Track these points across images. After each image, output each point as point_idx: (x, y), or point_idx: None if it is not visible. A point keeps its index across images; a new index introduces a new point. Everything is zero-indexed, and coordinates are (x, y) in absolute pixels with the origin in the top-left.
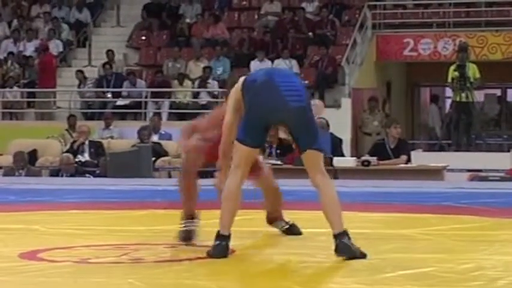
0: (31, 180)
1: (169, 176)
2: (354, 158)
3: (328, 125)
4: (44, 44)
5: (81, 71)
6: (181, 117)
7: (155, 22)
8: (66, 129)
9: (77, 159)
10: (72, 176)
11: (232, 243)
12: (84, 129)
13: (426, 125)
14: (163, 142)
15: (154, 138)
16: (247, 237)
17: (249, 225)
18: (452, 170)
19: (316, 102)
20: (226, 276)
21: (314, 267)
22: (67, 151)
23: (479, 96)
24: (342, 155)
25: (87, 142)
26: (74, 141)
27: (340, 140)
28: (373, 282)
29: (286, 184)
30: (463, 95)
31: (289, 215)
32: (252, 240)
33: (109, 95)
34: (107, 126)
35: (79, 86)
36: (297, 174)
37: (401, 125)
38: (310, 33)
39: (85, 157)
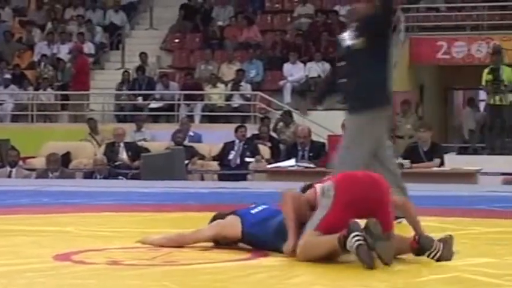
0: (65, 182)
1: (202, 179)
2: None
3: None
4: (79, 47)
5: (127, 71)
6: (214, 119)
7: (189, 25)
8: (89, 133)
9: (114, 162)
10: (105, 178)
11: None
12: (120, 132)
13: (460, 128)
14: (195, 144)
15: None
16: None
17: None
18: (485, 174)
19: None
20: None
21: (349, 270)
22: (104, 153)
23: None
24: None
25: (122, 144)
26: (110, 144)
27: None
28: (407, 286)
29: None
30: (497, 98)
31: None
32: None
33: (139, 99)
34: (139, 128)
35: (121, 86)
36: None
37: (433, 129)
38: None
39: (120, 159)
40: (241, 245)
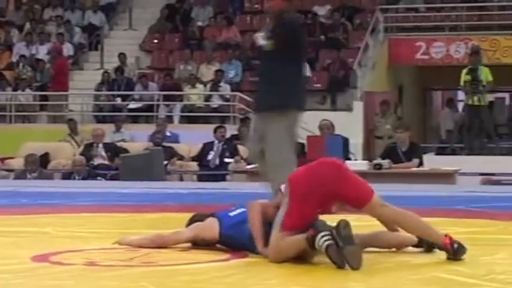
0: (43, 183)
1: (181, 179)
2: (366, 161)
3: (333, 126)
4: (58, 47)
5: (107, 72)
6: (193, 120)
7: (168, 25)
8: (69, 134)
9: (92, 162)
10: (84, 179)
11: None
12: (100, 133)
13: (438, 129)
14: (174, 145)
15: None
16: None
17: None
18: (464, 174)
19: None
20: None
21: (326, 271)
22: (82, 154)
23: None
24: (348, 154)
25: (101, 145)
26: (88, 144)
27: (347, 139)
28: (385, 285)
29: None
30: (475, 98)
31: None
32: None
33: (118, 100)
34: (118, 129)
35: (100, 86)
36: None
37: (411, 129)
38: (322, 37)
39: (99, 160)
40: (219, 246)
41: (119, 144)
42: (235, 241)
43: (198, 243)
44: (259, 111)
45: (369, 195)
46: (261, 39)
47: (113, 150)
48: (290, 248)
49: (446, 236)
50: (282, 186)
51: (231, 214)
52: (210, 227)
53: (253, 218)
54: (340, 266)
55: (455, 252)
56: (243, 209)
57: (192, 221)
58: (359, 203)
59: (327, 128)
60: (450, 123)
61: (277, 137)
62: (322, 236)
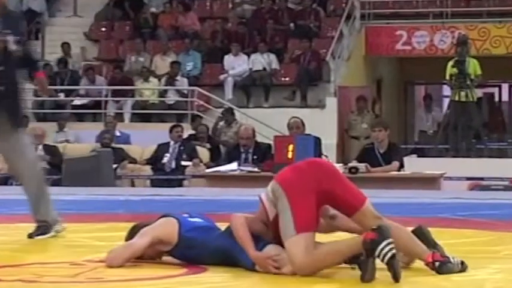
0: None
1: (133, 185)
2: (341, 164)
3: (303, 125)
4: None
5: (48, 64)
6: (146, 118)
7: (117, 12)
8: None
9: None
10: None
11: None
12: (40, 132)
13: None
14: (125, 146)
15: None
16: None
17: None
18: (450, 178)
19: None
20: None
21: (296, 284)
22: None
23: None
24: (320, 156)
25: (41, 147)
26: None
27: (319, 140)
28: None
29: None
30: (463, 93)
31: None
32: None
33: (61, 95)
34: (61, 128)
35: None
36: None
37: (389, 128)
38: (291, 25)
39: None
40: (172, 259)
41: (62, 145)
42: (198, 243)
43: (144, 257)
44: (17, 127)
45: (361, 200)
46: (12, 43)
47: (53, 153)
48: (332, 255)
49: (430, 252)
50: (262, 195)
51: (190, 220)
52: (169, 225)
53: (237, 228)
54: (397, 280)
55: (437, 270)
56: (198, 219)
57: (133, 232)
58: (350, 207)
59: (296, 126)
60: (425, 123)
61: (29, 153)
62: (388, 244)
